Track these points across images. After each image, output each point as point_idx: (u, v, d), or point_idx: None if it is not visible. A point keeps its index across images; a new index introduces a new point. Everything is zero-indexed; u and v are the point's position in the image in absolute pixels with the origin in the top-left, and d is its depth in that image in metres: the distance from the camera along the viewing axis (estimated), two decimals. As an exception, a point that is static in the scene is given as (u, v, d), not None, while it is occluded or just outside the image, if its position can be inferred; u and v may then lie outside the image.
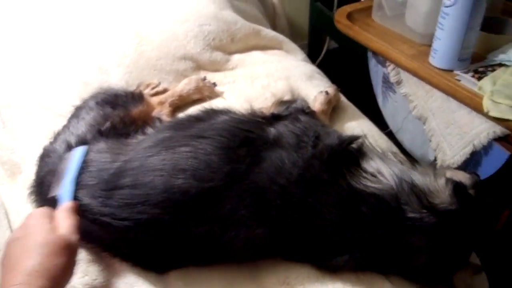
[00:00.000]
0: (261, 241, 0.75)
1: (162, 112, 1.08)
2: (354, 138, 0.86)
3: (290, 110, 0.92)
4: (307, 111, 0.94)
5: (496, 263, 1.25)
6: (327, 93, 1.07)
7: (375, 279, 0.76)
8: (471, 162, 1.07)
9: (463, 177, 0.85)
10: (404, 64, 1.17)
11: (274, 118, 0.88)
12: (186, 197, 0.73)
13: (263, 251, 0.78)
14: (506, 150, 0.97)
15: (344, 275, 0.76)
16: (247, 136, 0.80)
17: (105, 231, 0.76)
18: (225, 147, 0.78)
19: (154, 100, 1.08)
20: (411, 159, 0.93)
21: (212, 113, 0.87)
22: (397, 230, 0.74)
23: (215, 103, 1.10)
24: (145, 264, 0.79)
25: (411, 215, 0.74)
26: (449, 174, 0.85)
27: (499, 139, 0.99)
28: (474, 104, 1.01)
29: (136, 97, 0.98)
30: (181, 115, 1.01)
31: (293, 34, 2.16)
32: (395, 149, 0.98)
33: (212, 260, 0.79)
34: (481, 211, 0.80)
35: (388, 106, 1.37)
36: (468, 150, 1.04)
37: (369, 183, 0.78)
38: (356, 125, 1.07)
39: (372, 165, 0.81)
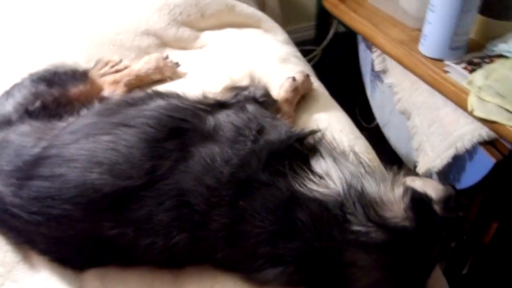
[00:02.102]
0: (180, 250, 0.66)
1: (115, 93, 0.99)
2: (305, 134, 0.75)
3: (239, 97, 0.81)
4: (260, 100, 0.83)
5: (484, 278, 1.13)
6: (294, 79, 0.95)
7: (308, 298, 0.67)
8: (454, 167, 0.94)
9: (433, 188, 0.72)
10: (389, 50, 1.03)
11: (219, 106, 0.78)
12: (99, 195, 0.65)
13: (183, 259, 0.70)
14: (492, 156, 0.84)
15: (274, 290, 0.67)
16: (179, 127, 0.71)
17: (19, 222, 0.70)
18: (150, 139, 0.69)
19: (107, 79, 0.99)
20: (379, 162, 0.82)
21: (147, 97, 0.78)
22: (338, 244, 0.64)
23: (175, 85, 1.01)
24: (60, 260, 0.73)
25: (356, 228, 0.64)
26: (417, 183, 0.73)
27: (485, 144, 0.86)
28: (459, 100, 0.87)
29: (78, 75, 0.89)
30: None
31: (300, 15, 2.03)
32: (360, 148, 0.86)
33: (129, 262, 0.71)
34: (446, 230, 0.68)
35: (376, 97, 1.24)
36: (450, 153, 0.91)
37: (314, 186, 0.67)
38: (325, 116, 0.94)
39: (322, 165, 0.71)
